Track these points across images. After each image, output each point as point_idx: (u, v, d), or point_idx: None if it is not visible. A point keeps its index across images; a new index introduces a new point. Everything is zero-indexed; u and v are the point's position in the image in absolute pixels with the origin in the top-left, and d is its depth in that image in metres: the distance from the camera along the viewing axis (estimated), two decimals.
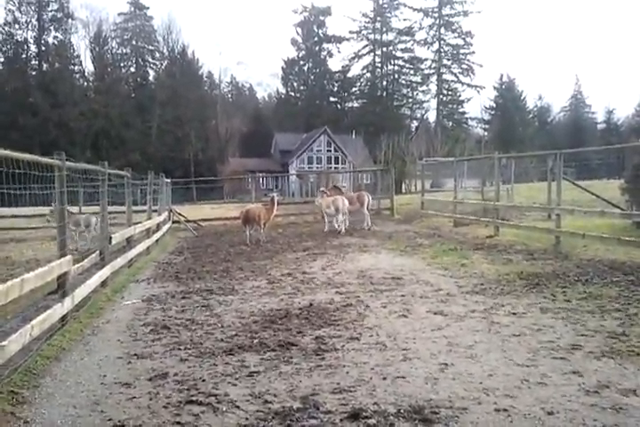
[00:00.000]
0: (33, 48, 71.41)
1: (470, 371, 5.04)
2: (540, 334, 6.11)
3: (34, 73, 70.44)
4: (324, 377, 5.02)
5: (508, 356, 5.42)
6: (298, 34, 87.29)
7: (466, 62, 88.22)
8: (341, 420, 4.11)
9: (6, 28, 69.13)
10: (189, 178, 45.18)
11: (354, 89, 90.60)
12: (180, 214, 22.02)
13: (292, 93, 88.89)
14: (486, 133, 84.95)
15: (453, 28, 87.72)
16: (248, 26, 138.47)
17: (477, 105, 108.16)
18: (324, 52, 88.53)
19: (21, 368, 5.21)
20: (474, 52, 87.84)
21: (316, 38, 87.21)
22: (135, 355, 5.84)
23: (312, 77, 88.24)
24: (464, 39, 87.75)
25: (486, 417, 4.09)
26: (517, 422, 3.99)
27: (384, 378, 4.94)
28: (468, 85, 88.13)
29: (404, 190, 49.66)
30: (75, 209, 18.15)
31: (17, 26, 69.62)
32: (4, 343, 4.64)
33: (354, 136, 70.74)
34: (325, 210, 18.09)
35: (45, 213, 15.59)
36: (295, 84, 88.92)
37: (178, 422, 4.17)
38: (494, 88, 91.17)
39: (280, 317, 7.22)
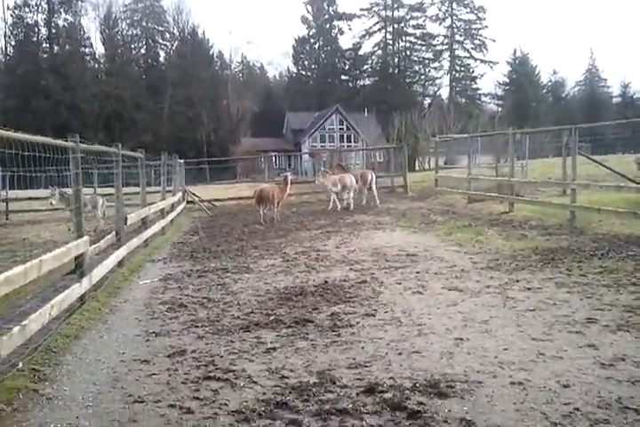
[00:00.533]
0: (43, 31, 71.19)
1: (485, 345, 5.06)
2: (556, 308, 6.11)
3: (45, 56, 70.28)
4: (340, 353, 5.06)
5: (523, 330, 5.43)
6: (308, 11, 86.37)
7: (478, 38, 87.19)
8: (357, 394, 4.15)
9: (16, 12, 69.10)
10: (202, 158, 45.18)
11: (365, 66, 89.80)
12: (193, 195, 22.09)
13: (304, 72, 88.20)
14: (500, 109, 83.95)
15: (465, 2, 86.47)
16: (258, 4, 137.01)
17: (491, 81, 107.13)
18: (335, 30, 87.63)
19: (42, 347, 5.30)
20: (486, 27, 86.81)
21: (326, 16, 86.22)
22: (153, 333, 5.92)
23: (323, 55, 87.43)
24: (476, 14, 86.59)
25: (502, 390, 4.11)
26: (533, 395, 4.00)
27: (399, 353, 4.98)
28: (481, 61, 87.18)
29: (417, 168, 49.27)
30: (90, 190, 18.29)
31: (27, 9, 69.45)
32: (24, 323, 4.71)
33: (366, 114, 70.30)
34: (332, 188, 18.36)
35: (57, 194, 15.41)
36: (306, 62, 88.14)
37: (197, 398, 4.24)
38: (507, 63, 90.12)
39: (295, 294, 7.27)
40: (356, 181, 18.73)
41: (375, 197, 19.13)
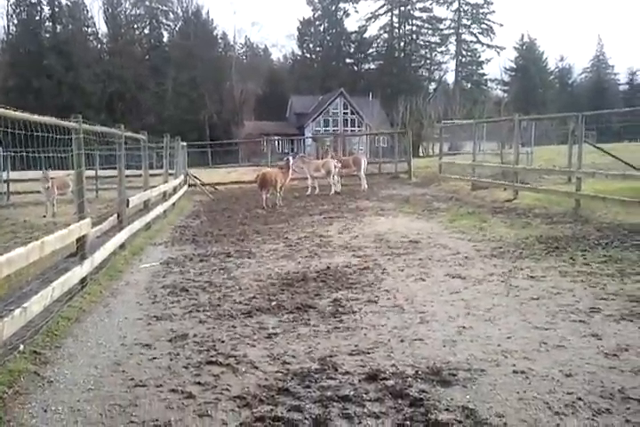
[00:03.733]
0: (46, 10, 70.34)
1: (488, 334, 5.04)
2: (559, 297, 6.08)
3: (47, 35, 69.64)
4: (342, 339, 5.04)
5: (526, 319, 5.40)
6: None
7: (486, 22, 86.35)
8: (360, 381, 4.13)
9: None
10: (204, 141, 44.98)
11: (371, 50, 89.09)
12: (195, 178, 22.03)
13: (308, 55, 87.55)
14: (506, 95, 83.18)
15: None
16: None
17: (497, 66, 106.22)
18: (341, 12, 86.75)
19: (43, 329, 5.29)
20: (494, 12, 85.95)
21: None
22: (155, 317, 5.91)
23: (328, 38, 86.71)
24: None
25: (504, 379, 4.09)
26: (535, 384, 3.99)
27: (402, 340, 4.96)
28: (488, 46, 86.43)
29: (421, 153, 48.95)
30: (92, 173, 18.18)
31: None
32: (25, 305, 4.69)
33: (371, 98, 69.80)
34: (314, 173, 19.04)
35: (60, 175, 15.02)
36: (311, 45, 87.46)
37: (198, 383, 4.22)
38: (514, 49, 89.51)
39: (297, 279, 7.25)
40: (349, 166, 19.80)
41: (363, 182, 19.90)
